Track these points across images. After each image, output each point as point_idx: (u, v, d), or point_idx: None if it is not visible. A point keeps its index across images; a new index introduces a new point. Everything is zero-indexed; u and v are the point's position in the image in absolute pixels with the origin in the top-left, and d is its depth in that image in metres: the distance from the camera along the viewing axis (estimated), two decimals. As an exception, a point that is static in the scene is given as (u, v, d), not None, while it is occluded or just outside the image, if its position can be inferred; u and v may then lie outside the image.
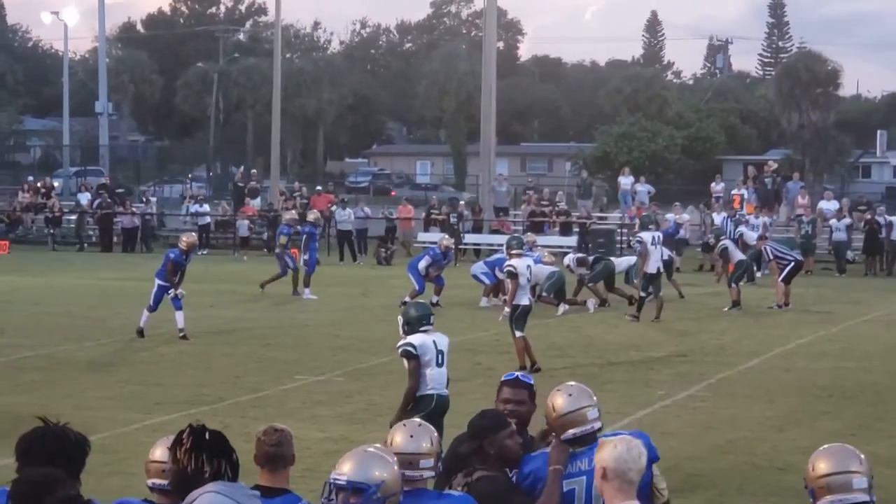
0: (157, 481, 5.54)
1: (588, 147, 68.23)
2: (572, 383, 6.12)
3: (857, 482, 4.95)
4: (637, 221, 32.06)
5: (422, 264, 26.16)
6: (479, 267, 27.21)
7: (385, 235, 40.81)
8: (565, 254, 30.20)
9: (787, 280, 26.35)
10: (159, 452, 5.58)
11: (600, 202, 47.65)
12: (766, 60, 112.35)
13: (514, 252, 18.70)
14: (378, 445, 5.14)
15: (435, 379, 10.92)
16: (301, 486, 6.74)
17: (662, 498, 6.15)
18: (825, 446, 5.14)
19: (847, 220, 37.35)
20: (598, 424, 5.94)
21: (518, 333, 17.80)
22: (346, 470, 4.84)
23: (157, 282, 21.11)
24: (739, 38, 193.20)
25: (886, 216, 37.37)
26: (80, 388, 16.29)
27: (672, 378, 17.58)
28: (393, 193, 55.21)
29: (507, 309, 18.13)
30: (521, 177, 64.45)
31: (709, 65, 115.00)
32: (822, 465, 5.00)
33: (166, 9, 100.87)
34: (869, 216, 37.11)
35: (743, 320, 24.51)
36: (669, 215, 36.76)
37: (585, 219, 41.07)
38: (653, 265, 23.68)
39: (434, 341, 10.97)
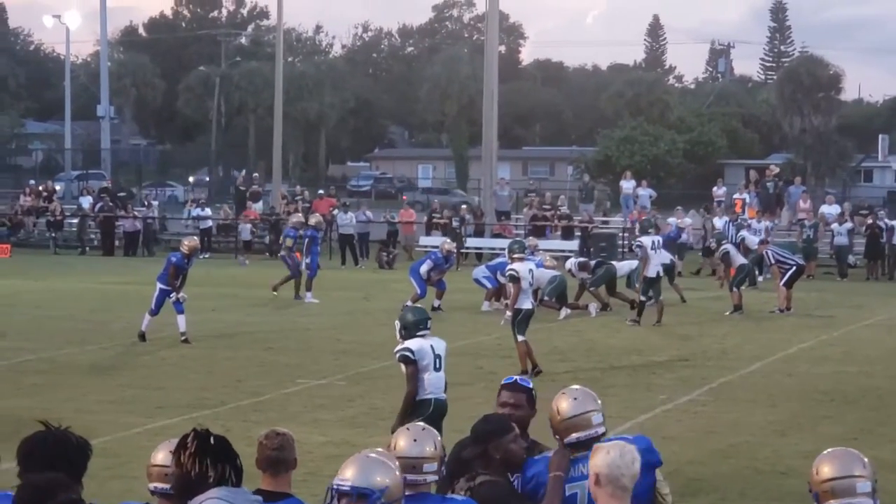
0: (159, 485, 5.53)
1: (590, 151, 68.25)
2: (578, 387, 6.12)
3: (860, 486, 4.96)
4: (638, 225, 32.06)
5: (423, 268, 26.15)
6: (480, 271, 27.19)
7: (387, 239, 40.82)
8: (567, 258, 30.22)
9: (789, 284, 26.34)
10: (161, 456, 5.57)
11: (603, 206, 47.66)
12: (767, 65, 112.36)
13: (515, 256, 18.69)
14: (380, 450, 5.13)
15: (433, 383, 10.91)
16: (303, 490, 6.74)
17: (666, 503, 6.15)
18: (829, 450, 5.13)
19: (849, 225, 37.33)
20: (601, 429, 5.94)
21: (520, 337, 17.78)
22: (349, 476, 4.83)
23: (159, 285, 21.10)
24: (741, 42, 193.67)
25: (888, 220, 37.36)
26: (81, 392, 16.28)
27: (674, 382, 17.57)
28: (405, 198, 55.12)
29: (508, 313, 18.11)
30: (523, 181, 64.46)
31: (711, 69, 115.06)
32: (826, 469, 5.00)
33: (168, 12, 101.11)
34: (871, 220, 37.09)
35: (745, 324, 24.49)
36: (671, 219, 36.78)
37: (587, 223, 41.08)
38: (653, 269, 23.68)
39: (431, 346, 10.96)
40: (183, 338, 20.69)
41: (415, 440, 5.42)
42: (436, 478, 5.45)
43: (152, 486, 5.60)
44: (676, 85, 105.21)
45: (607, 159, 62.91)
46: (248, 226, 42.78)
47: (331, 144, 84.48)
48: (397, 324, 11.19)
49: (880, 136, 66.37)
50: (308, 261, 28.12)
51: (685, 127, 68.19)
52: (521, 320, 17.81)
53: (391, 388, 15.43)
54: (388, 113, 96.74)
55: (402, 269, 32.50)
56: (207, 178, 70.29)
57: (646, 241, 23.87)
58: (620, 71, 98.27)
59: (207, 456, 4.87)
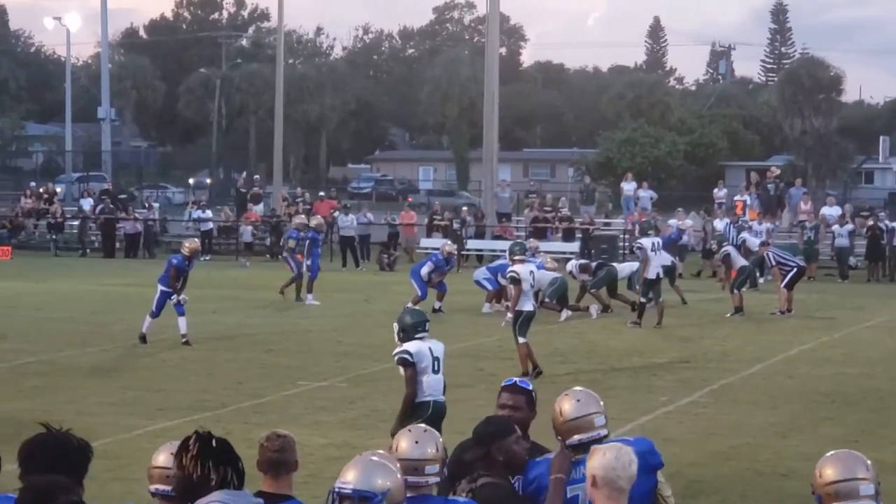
0: (160, 487, 5.53)
1: (591, 153, 68.28)
2: (581, 389, 6.12)
3: (864, 489, 4.95)
4: (638, 227, 32.05)
5: (424, 270, 26.14)
6: (481, 273, 27.17)
7: (388, 241, 40.80)
8: (568, 260, 30.22)
9: (790, 286, 26.33)
10: (162, 458, 5.57)
11: (605, 208, 47.67)
12: (768, 66, 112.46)
13: (516, 258, 18.70)
14: (381, 452, 5.13)
15: (431, 386, 10.89)
16: (304, 493, 6.73)
17: (668, 505, 6.14)
18: (832, 452, 5.13)
19: (850, 226, 37.32)
20: (604, 432, 5.93)
21: (521, 339, 17.77)
22: (350, 479, 4.82)
23: (160, 287, 21.10)
24: (742, 44, 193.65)
25: (889, 222, 37.35)
26: (82, 394, 16.28)
27: (675, 384, 17.56)
28: (410, 199, 55.10)
29: (509, 315, 18.11)
30: (524, 182, 64.46)
31: (711, 71, 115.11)
32: (829, 472, 5.00)
33: (169, 14, 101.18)
34: (871, 222, 37.07)
35: (745, 326, 24.48)
36: (672, 221, 36.77)
37: (588, 225, 41.07)
38: (652, 271, 23.68)
39: (430, 348, 10.93)
40: (184, 340, 20.69)
41: (416, 442, 5.42)
42: (437, 479, 5.45)
43: (153, 487, 5.60)
44: (677, 87, 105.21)
45: (608, 161, 62.93)
46: (249, 228, 42.77)
47: (331, 146, 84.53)
48: (395, 326, 11.18)
49: (881, 138, 66.32)
50: (309, 263, 28.13)
51: (686, 129, 68.22)
52: (522, 322, 17.80)
53: (392, 390, 15.40)
54: (389, 115, 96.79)
55: (402, 271, 32.50)
56: (208, 180, 70.23)
57: (646, 242, 23.87)
58: (621, 73, 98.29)
59: (209, 459, 4.87)
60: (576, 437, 5.85)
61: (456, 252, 30.01)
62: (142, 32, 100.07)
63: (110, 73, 65.31)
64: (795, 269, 26.54)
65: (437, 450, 5.43)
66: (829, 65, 59.52)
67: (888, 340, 22.82)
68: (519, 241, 28.08)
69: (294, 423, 13.72)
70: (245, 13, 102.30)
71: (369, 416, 14.86)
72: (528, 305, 17.95)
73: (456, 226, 40.62)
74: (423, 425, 5.82)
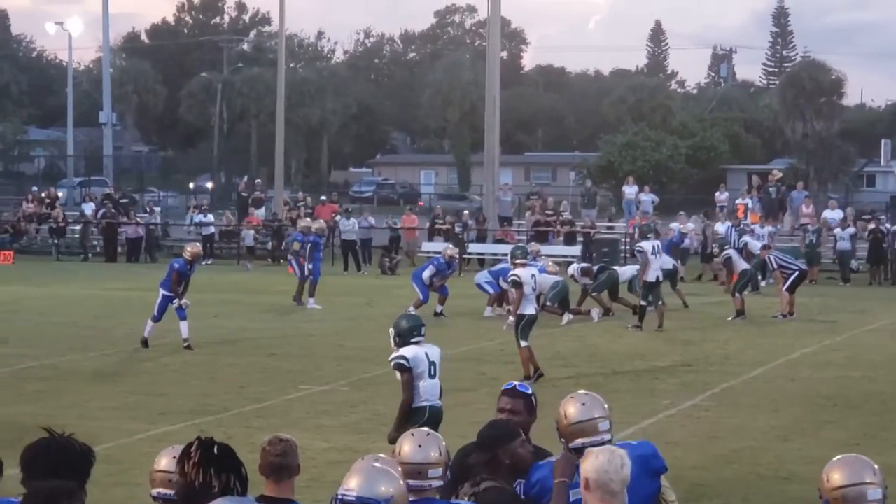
0: (163, 491, 5.53)
1: (592, 156, 68.33)
2: (587, 393, 6.11)
3: (871, 493, 4.94)
4: (638, 231, 32.05)
5: (426, 274, 26.14)
6: (482, 276, 27.17)
7: (389, 245, 40.80)
8: (569, 263, 30.21)
9: (792, 289, 26.32)
10: (164, 462, 5.57)
11: (608, 212, 47.66)
12: (769, 70, 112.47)
13: (518, 261, 18.68)
14: (383, 456, 5.12)
15: (428, 390, 10.86)
16: (306, 497, 6.72)
17: (671, 510, 6.13)
18: (839, 457, 5.11)
19: (851, 230, 37.30)
20: (607, 437, 5.92)
21: (523, 343, 17.77)
22: (353, 485, 4.81)
23: (162, 292, 21.10)
24: (743, 47, 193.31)
25: (891, 225, 37.34)
26: (84, 399, 16.28)
27: (676, 388, 17.56)
28: (420, 203, 55.09)
29: (511, 318, 18.10)
30: (526, 186, 64.50)
31: (713, 74, 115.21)
32: (836, 477, 4.98)
33: (170, 19, 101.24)
34: (873, 225, 37.05)
35: (747, 330, 24.47)
36: (674, 224, 36.77)
37: (590, 228, 41.07)
38: (652, 274, 23.68)
39: (426, 353, 10.90)
40: (186, 344, 20.69)
41: (420, 446, 5.41)
42: (441, 483, 5.44)
43: (155, 491, 5.60)
44: (678, 90, 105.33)
45: (609, 164, 62.95)
46: (251, 232, 42.79)
47: (333, 150, 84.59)
48: (391, 331, 11.16)
49: (883, 141, 66.33)
50: (311, 266, 28.14)
51: (687, 132, 68.24)
52: (524, 326, 17.80)
53: (394, 394, 15.35)
54: (390, 119, 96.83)
55: (404, 275, 32.50)
56: (210, 185, 70.25)
57: (646, 245, 23.89)
58: (622, 76, 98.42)
59: (211, 465, 4.86)
60: (579, 441, 5.84)
61: (457, 256, 30.00)
62: (143, 37, 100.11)
63: (112, 78, 65.33)
64: (797, 273, 26.53)
65: (440, 453, 5.43)
66: (830, 68, 59.59)
67: (890, 344, 22.79)
68: (520, 244, 28.02)
69: (296, 427, 13.72)
70: (246, 17, 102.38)
71: (371, 419, 14.85)
72: (529, 309, 17.95)
73: (457, 229, 40.63)
74: (426, 429, 5.82)
